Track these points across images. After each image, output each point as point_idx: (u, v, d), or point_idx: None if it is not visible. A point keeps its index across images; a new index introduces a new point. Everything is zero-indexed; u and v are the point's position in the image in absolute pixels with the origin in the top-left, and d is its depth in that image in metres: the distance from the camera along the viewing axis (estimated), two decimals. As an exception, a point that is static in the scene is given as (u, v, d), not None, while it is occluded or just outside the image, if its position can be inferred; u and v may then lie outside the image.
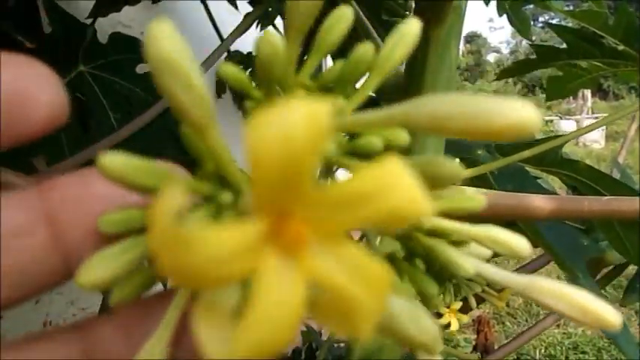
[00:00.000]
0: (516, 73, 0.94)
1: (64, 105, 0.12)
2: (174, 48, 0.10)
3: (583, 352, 2.61)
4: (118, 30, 1.20)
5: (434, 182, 0.12)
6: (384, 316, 0.11)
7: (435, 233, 0.15)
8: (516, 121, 0.10)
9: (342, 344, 1.04)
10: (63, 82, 0.40)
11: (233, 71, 0.12)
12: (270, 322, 0.08)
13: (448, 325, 0.33)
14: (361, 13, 0.40)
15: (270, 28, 0.99)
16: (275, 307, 0.08)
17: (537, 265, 0.49)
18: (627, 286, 0.45)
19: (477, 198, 0.14)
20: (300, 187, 0.08)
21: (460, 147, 0.33)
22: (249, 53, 1.62)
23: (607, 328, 0.13)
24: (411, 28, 0.13)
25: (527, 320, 2.99)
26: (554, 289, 0.14)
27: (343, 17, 0.13)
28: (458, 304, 0.34)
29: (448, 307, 0.34)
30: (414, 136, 0.27)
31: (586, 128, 0.30)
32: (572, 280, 0.31)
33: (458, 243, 0.15)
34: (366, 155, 0.12)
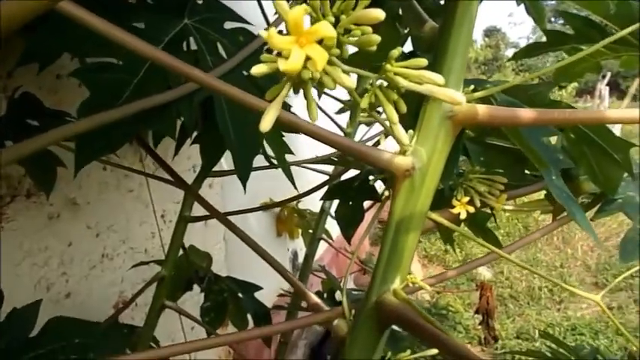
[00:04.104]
0: (528, 55, 1.04)
1: None
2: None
3: (581, 334, 2.72)
4: None
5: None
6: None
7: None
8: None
9: (360, 291, 1.17)
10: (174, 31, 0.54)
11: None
12: (295, 62, 0.23)
13: (459, 215, 0.45)
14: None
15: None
16: (296, 58, 0.24)
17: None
18: (598, 209, 0.56)
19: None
20: (301, 28, 0.24)
21: (476, 82, 0.44)
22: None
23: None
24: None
25: (528, 303, 3.12)
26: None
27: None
28: (466, 199, 0.46)
29: (459, 201, 0.46)
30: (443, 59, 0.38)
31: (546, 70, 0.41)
32: (548, 177, 0.42)
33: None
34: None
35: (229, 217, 0.64)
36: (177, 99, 0.47)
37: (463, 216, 0.44)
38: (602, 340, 2.65)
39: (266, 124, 0.22)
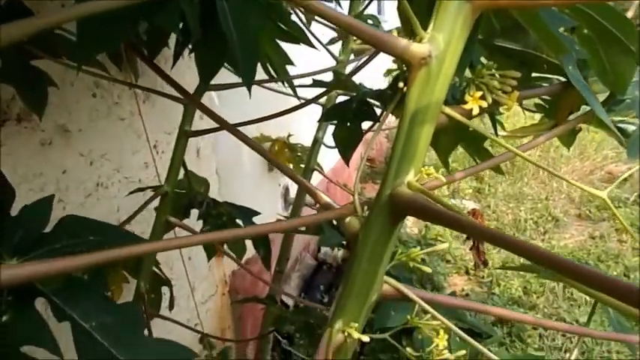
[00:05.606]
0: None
1: None
2: None
3: (563, 262, 2.82)
4: None
5: None
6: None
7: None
8: None
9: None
10: None
11: None
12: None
13: (471, 111, 0.44)
14: None
15: None
16: None
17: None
18: (606, 109, 0.56)
19: None
20: None
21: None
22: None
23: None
24: None
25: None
26: None
27: None
28: (479, 94, 0.45)
29: (471, 96, 0.45)
30: None
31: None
32: (567, 64, 0.42)
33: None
34: None
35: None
36: (178, -6, 0.44)
37: (476, 111, 0.43)
38: (584, 267, 2.76)
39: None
